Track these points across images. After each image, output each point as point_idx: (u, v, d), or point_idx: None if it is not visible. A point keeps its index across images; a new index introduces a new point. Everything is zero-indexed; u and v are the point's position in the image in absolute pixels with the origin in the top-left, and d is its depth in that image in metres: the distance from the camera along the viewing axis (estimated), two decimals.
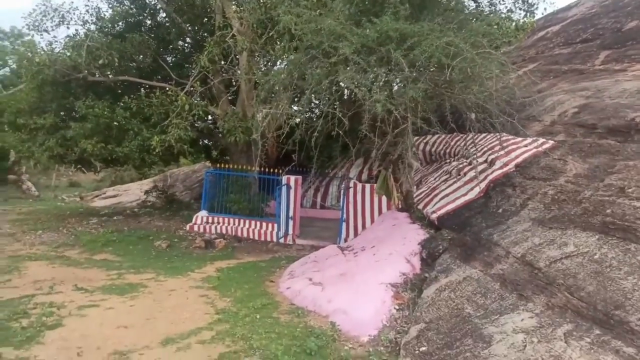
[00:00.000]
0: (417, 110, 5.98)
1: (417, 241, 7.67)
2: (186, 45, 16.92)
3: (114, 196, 25.43)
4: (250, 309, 6.51)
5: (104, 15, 15.13)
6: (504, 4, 10.27)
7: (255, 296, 7.20)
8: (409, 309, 5.82)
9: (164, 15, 16.05)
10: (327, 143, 9.85)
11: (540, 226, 5.99)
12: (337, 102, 6.29)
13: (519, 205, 6.85)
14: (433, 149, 13.46)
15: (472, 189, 8.57)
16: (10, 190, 23.48)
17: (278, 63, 10.69)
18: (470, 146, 8.28)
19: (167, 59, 16.50)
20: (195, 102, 12.46)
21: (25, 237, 11.82)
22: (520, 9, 10.88)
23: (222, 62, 12.91)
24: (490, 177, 8.30)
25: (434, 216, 8.35)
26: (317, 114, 14.42)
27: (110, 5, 15.27)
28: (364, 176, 16.38)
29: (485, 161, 9.05)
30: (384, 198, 11.16)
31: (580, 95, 10.09)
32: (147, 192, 19.06)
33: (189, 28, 15.36)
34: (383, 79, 5.95)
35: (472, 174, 9.02)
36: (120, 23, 15.41)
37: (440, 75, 6.44)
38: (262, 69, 10.92)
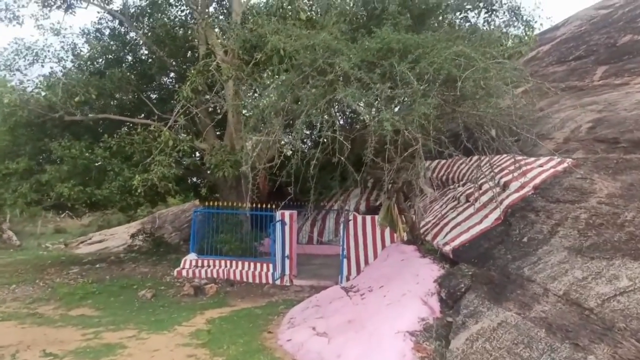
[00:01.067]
0: (428, 130, 5.22)
1: (433, 278, 6.77)
2: (169, 80, 16.27)
3: (100, 241, 24.32)
4: None
5: (81, 51, 14.46)
6: (501, 18, 9.66)
7: (252, 353, 6.22)
8: None
9: (146, 50, 15.46)
10: (321, 174, 9.08)
11: (579, 256, 5.16)
12: (337, 125, 5.52)
13: (547, 233, 6.03)
14: (434, 175, 12.72)
15: (486, 216, 7.77)
16: None
17: (267, 90, 10.01)
18: (486, 168, 7.50)
19: (151, 95, 15.82)
20: (180, 137, 11.68)
21: None
22: (513, 25, 10.35)
23: (207, 94, 12.18)
24: (506, 202, 7.51)
25: (448, 248, 7.49)
26: (312, 143, 13.77)
27: (87, 41, 14.61)
28: (362, 207, 15.55)
29: (498, 184, 8.27)
30: (387, 230, 10.30)
31: (592, 110, 9.47)
32: (132, 236, 18.02)
33: (172, 62, 14.72)
34: (386, 96, 5.20)
35: (484, 199, 8.24)
36: (99, 60, 14.76)
37: (450, 90, 5.72)
38: (250, 99, 10.19)
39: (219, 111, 13.07)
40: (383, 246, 10.47)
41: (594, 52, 16.01)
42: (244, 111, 12.90)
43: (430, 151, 5.53)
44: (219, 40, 11.78)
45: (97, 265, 13.83)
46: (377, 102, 5.10)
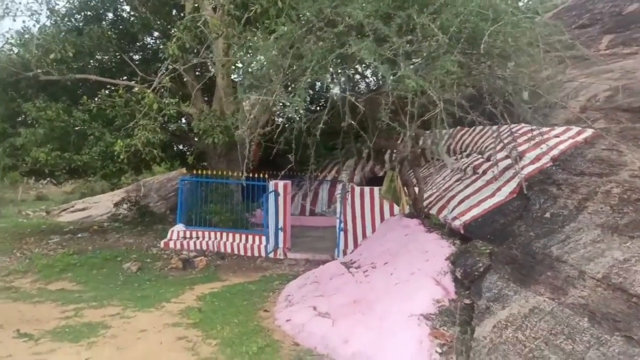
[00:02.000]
0: (452, 91, 4.60)
1: (444, 256, 6.25)
2: (153, 40, 15.25)
3: (83, 209, 23.50)
4: (243, 356, 5.01)
5: (57, 4, 13.34)
6: None
7: (249, 335, 5.69)
8: (456, 353, 4.39)
9: (127, 7, 14.38)
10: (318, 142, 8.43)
11: (616, 235, 4.65)
12: (347, 84, 4.86)
13: (574, 208, 5.51)
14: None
15: (499, 188, 7.23)
16: None
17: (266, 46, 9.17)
18: (500, 137, 6.92)
19: (134, 57, 14.81)
20: (166, 100, 10.87)
21: None
22: None
23: (194, 54, 11.30)
24: (522, 174, 6.97)
25: (458, 223, 6.96)
26: (304, 111, 12.98)
27: None
28: (357, 178, 14.98)
29: (508, 156, 7.70)
30: (386, 202, 9.74)
31: (608, 78, 8.90)
32: (116, 205, 17.25)
33: (156, 20, 13.69)
34: (404, 51, 4.53)
35: (495, 170, 7.69)
36: (77, 16, 13.69)
37: (473, 47, 5.07)
38: (245, 57, 9.34)
39: (209, 69, 12.19)
40: (382, 219, 9.94)
41: (599, 21, 15.52)
42: (233, 75, 12.10)
43: (453, 115, 4.92)
44: None
45: (79, 235, 13.15)
46: (396, 57, 4.43)
